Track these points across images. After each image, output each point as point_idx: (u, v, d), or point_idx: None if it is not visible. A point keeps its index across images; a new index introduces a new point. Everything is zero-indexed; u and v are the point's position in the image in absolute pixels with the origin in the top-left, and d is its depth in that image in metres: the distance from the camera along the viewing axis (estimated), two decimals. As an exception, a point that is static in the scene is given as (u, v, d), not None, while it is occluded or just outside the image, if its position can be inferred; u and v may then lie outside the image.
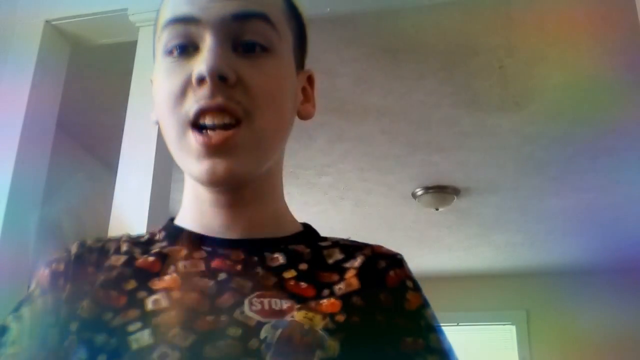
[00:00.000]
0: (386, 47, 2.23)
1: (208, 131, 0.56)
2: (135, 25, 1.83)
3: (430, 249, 4.35)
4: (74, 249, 0.63)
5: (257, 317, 0.54)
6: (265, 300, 0.55)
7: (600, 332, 4.33)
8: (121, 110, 1.76)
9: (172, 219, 0.68)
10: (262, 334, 0.52)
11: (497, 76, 2.39)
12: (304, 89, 0.68)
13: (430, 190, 3.39)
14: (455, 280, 4.78)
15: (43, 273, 0.61)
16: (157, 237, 0.65)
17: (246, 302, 0.55)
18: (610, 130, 2.74)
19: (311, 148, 2.97)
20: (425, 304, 0.61)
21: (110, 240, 0.65)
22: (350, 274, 0.60)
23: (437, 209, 3.51)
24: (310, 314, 0.54)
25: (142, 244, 0.64)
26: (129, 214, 1.61)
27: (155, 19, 0.64)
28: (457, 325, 4.78)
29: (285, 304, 0.55)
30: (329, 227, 3.89)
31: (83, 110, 2.60)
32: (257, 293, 0.56)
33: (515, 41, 2.19)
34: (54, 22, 1.91)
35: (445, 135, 2.84)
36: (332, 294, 0.57)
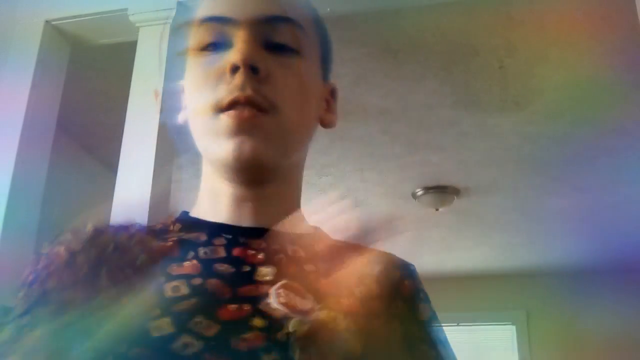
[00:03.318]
0: (386, 47, 2.23)
1: (239, 109, 0.60)
2: (135, 25, 1.83)
3: (430, 249, 4.35)
4: (88, 229, 0.63)
5: (283, 310, 0.54)
6: (291, 294, 0.56)
7: (600, 332, 4.33)
8: (121, 110, 1.76)
9: (186, 212, 0.68)
10: (291, 327, 0.52)
11: (497, 76, 2.39)
12: (327, 100, 0.73)
13: (430, 190, 3.39)
14: (455, 280, 4.78)
15: (58, 251, 0.61)
16: (171, 227, 0.65)
17: (272, 292, 0.55)
18: (610, 130, 2.74)
19: (311, 148, 2.96)
20: (434, 316, 0.63)
21: (123, 225, 0.65)
22: (369, 279, 0.61)
23: (437, 209, 3.51)
24: (333, 314, 0.55)
25: (156, 231, 0.65)
26: (129, 214, 1.61)
27: (186, 19, 0.68)
28: (457, 325, 4.77)
29: (309, 301, 0.56)
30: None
31: (83, 110, 2.60)
32: (282, 283, 0.56)
33: (515, 41, 2.19)
34: (54, 22, 1.91)
35: (445, 136, 2.84)
36: (351, 295, 0.58)
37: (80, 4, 1.91)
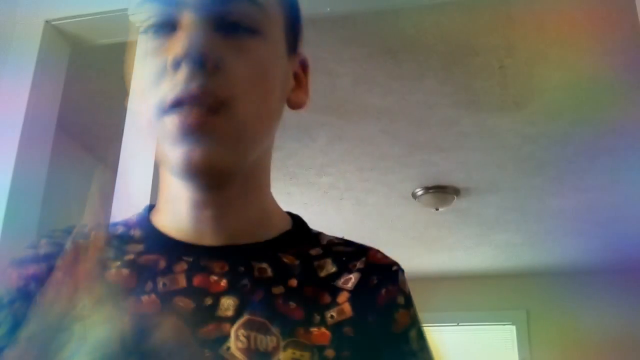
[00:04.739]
0: (386, 47, 2.23)
1: (184, 111, 0.51)
2: (136, 25, 1.83)
3: (430, 249, 4.35)
4: (42, 248, 0.58)
5: (243, 358, 0.49)
6: (252, 335, 0.51)
7: (600, 332, 4.33)
8: (121, 110, 1.75)
9: (150, 209, 0.63)
10: None
11: (497, 76, 2.39)
12: (296, 75, 0.62)
13: (430, 190, 3.39)
14: (455, 280, 4.78)
15: (12, 276, 0.56)
16: (131, 233, 0.60)
17: (232, 333, 0.51)
18: (610, 130, 2.74)
19: (311, 148, 2.96)
20: (413, 323, 0.59)
21: (80, 235, 0.59)
22: (342, 298, 0.56)
23: (437, 209, 3.51)
24: (298, 353, 0.51)
25: (115, 242, 0.59)
26: (129, 214, 1.61)
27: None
28: (457, 325, 4.77)
29: (274, 337, 0.51)
30: (329, 227, 3.88)
31: (83, 110, 2.60)
32: (245, 319, 0.52)
33: (515, 41, 2.19)
34: (54, 22, 1.91)
35: (445, 135, 2.84)
36: (322, 321, 0.54)
37: (80, 4, 1.91)
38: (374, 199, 3.55)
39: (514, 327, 4.81)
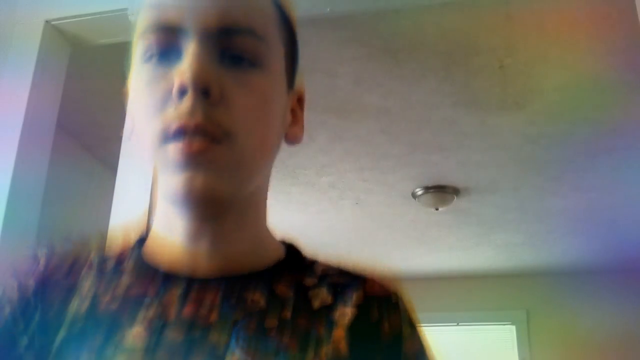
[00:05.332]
0: (386, 47, 2.23)
1: (187, 139, 0.52)
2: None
3: (430, 249, 4.35)
4: (43, 260, 0.59)
5: None
6: None
7: (600, 332, 4.33)
8: (121, 110, 1.75)
9: (143, 240, 0.63)
10: None
11: (497, 76, 2.39)
12: (292, 110, 0.64)
13: (430, 190, 3.39)
14: (455, 280, 4.78)
15: (12, 286, 0.57)
16: (123, 265, 0.60)
17: None
18: (610, 130, 2.74)
19: (311, 148, 2.96)
20: (421, 350, 0.59)
21: (79, 255, 0.60)
22: (338, 334, 0.56)
23: (437, 209, 3.51)
24: None
25: (107, 273, 0.59)
26: (129, 214, 1.61)
27: (134, 22, 0.60)
28: (457, 325, 4.77)
29: None
30: (329, 227, 3.90)
31: (83, 110, 2.60)
32: (237, 353, 0.52)
33: (515, 41, 2.19)
34: (54, 22, 1.91)
35: (445, 135, 2.84)
36: (316, 356, 0.54)
37: (80, 4, 1.91)
38: (374, 199, 3.55)
39: (514, 327, 4.81)
